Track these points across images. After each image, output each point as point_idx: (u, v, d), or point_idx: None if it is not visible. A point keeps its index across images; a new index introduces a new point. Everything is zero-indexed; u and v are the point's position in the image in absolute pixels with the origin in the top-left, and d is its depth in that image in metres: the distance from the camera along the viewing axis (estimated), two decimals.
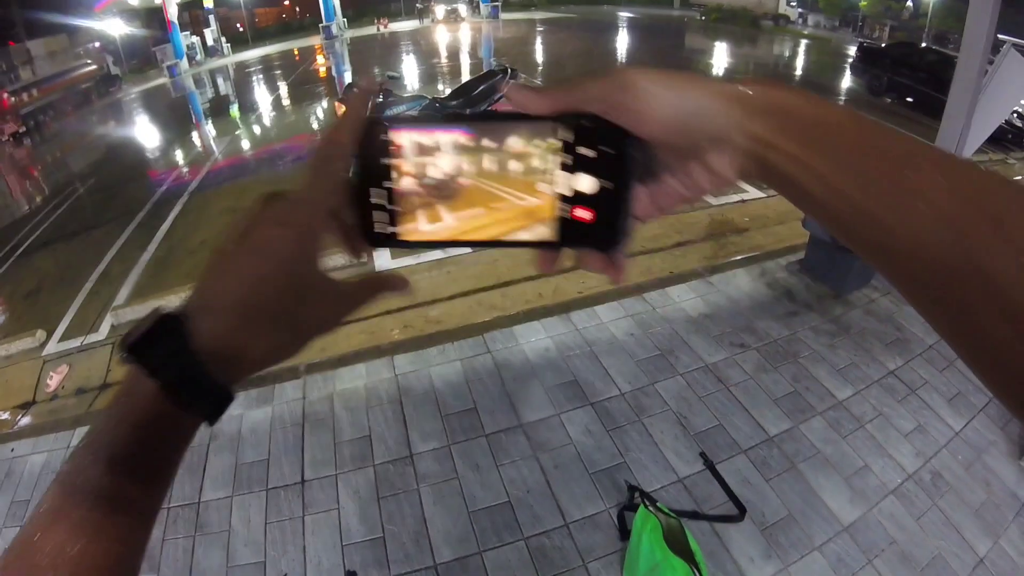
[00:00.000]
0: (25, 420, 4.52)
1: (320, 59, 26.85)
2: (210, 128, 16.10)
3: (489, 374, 3.92)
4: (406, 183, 0.42)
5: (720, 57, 19.59)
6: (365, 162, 0.42)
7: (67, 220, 9.89)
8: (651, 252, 5.42)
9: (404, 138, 0.41)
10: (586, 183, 0.39)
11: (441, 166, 0.41)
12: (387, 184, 0.42)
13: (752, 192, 6.66)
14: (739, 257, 5.20)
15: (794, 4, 30.77)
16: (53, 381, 4.89)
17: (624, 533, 2.78)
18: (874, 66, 12.82)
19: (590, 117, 0.38)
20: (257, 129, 14.79)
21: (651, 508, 2.43)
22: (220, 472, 3.50)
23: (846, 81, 14.92)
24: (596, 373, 3.87)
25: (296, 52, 30.62)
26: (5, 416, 4.62)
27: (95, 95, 25.62)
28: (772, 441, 3.30)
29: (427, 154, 0.41)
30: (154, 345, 0.36)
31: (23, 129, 20.79)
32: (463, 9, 34.57)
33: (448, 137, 0.41)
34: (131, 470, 0.37)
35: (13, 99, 20.94)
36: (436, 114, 0.44)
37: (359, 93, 0.44)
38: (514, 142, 0.40)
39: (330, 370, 4.17)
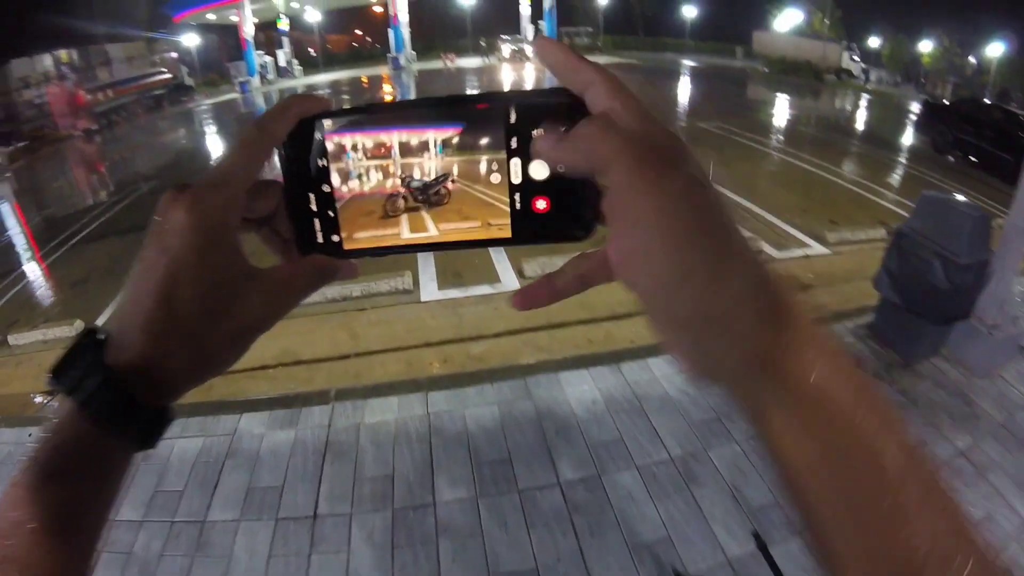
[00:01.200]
0: (53, 405, 4.48)
1: (387, 87, 27.59)
2: None
3: (529, 422, 3.65)
4: (344, 186, 0.39)
5: (782, 109, 19.28)
6: (297, 163, 0.39)
7: (125, 216, 10.08)
8: None
9: (342, 138, 0.38)
10: (541, 169, 0.35)
11: (383, 166, 0.38)
12: (323, 188, 0.39)
13: (816, 248, 6.36)
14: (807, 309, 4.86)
15: (857, 59, 30.67)
16: None
17: None
18: (939, 123, 12.35)
19: (557, 91, 0.34)
20: None
21: None
22: (232, 491, 3.30)
23: (908, 138, 14.49)
24: (645, 432, 3.56)
25: (364, 79, 31.56)
26: (38, 399, 4.65)
27: (167, 102, 26.77)
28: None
29: (368, 154, 0.38)
30: (73, 364, 0.34)
31: (96, 127, 21.78)
32: (528, 49, 35.30)
33: (391, 134, 0.38)
34: (56, 497, 0.34)
35: (89, 97, 22.00)
36: (379, 108, 0.39)
37: (299, 96, 0.38)
38: (462, 132, 0.37)
39: (361, 399, 3.97)
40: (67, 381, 0.34)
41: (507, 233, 0.37)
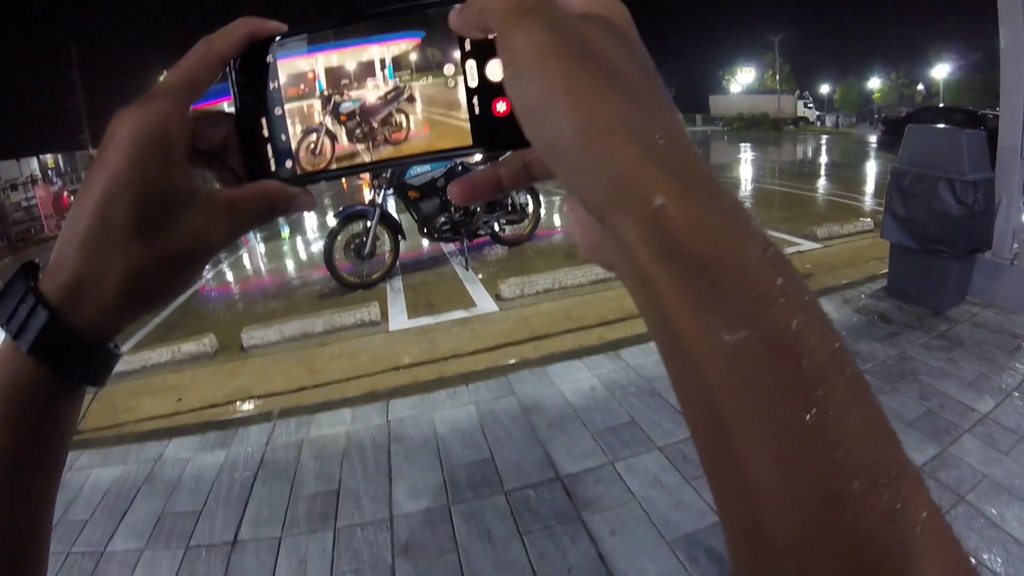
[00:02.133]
0: None
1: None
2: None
3: (513, 419, 2.95)
4: (296, 108, 0.37)
5: (746, 156, 19.46)
6: (248, 87, 0.37)
7: None
8: None
9: (293, 60, 0.36)
10: (499, 69, 0.31)
11: (339, 85, 0.36)
12: (275, 112, 0.36)
13: (807, 244, 6.02)
14: (815, 290, 4.43)
15: (811, 106, 31.97)
16: None
17: None
18: (900, 135, 12.43)
19: None
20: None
21: None
22: (140, 520, 2.63)
23: (872, 165, 14.72)
24: (662, 412, 2.89)
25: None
26: None
27: None
28: (922, 472, 2.28)
29: (320, 74, 0.37)
30: (7, 294, 0.32)
31: None
32: None
33: (344, 50, 0.36)
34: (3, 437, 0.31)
35: (72, 199, 22.13)
36: (329, 21, 0.36)
37: (251, 18, 0.36)
38: (414, 42, 0.34)
39: (308, 415, 3.28)
40: (2, 312, 0.32)
41: (468, 141, 0.33)
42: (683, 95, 44.93)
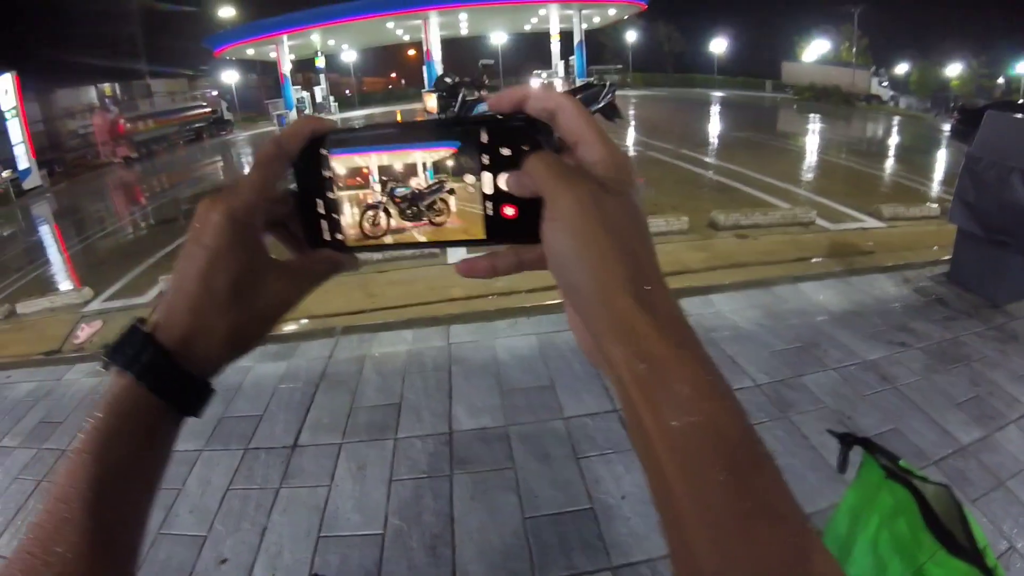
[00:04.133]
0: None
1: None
2: None
3: (574, 351, 2.90)
4: (344, 195, 0.44)
5: (815, 127, 18.66)
6: (307, 173, 0.44)
7: (157, 233, 9.78)
8: (767, 264, 4.40)
9: (342, 157, 0.43)
10: (507, 182, 0.39)
11: (391, 175, 0.43)
12: (328, 195, 0.44)
13: (871, 222, 5.75)
14: (875, 265, 4.34)
15: (885, 84, 30.17)
16: (83, 333, 4.61)
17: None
18: (975, 125, 11.67)
19: (519, 118, 0.38)
20: None
21: (889, 464, 1.27)
22: (202, 422, 2.59)
23: (943, 153, 13.80)
24: (719, 360, 2.80)
25: (399, 115, 31.98)
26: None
27: (207, 134, 27.25)
28: (966, 451, 2.41)
29: (363, 170, 0.44)
30: (126, 345, 0.39)
31: (135, 155, 22.19)
32: (558, 83, 35.32)
33: (384, 153, 0.43)
34: (113, 463, 0.37)
35: (129, 125, 22.50)
36: (376, 128, 0.43)
37: (311, 117, 0.45)
38: (443, 151, 0.41)
39: (370, 333, 3.30)
40: (122, 358, 0.38)
41: (482, 235, 0.40)
42: (755, 60, 42.73)
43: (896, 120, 22.28)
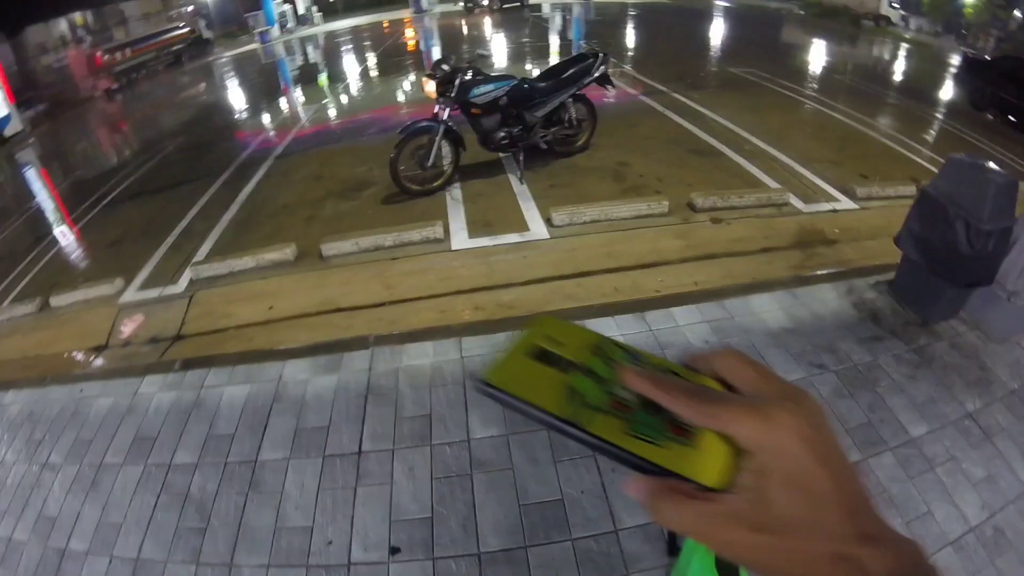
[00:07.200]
0: (97, 363, 4.88)
1: (409, 32, 27.40)
2: (298, 95, 16.73)
3: None
4: None
5: (818, 54, 18.67)
6: None
7: (154, 175, 10.51)
8: (736, 255, 5.29)
9: None
10: None
11: None
12: None
13: (845, 202, 6.42)
14: (826, 271, 4.99)
15: (896, 5, 29.35)
16: (127, 328, 5.26)
17: (673, 549, 2.74)
18: (978, 78, 12.03)
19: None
20: (344, 98, 15.19)
21: None
22: (280, 434, 3.67)
23: (946, 92, 13.99)
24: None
25: (386, 24, 31.40)
26: (79, 357, 5.02)
27: (187, 57, 27.05)
28: None
29: None
30: None
31: (116, 86, 22.30)
32: None
33: None
34: None
35: (106, 57, 22.43)
36: None
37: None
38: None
39: (398, 344, 4.29)
40: None
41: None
42: None
43: (903, 48, 21.87)
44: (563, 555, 2.86)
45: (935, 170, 5.35)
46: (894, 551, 0.38)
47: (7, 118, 16.55)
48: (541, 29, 25.13)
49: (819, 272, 4.99)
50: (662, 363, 0.48)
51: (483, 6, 33.23)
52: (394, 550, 2.95)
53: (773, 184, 6.93)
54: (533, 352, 0.49)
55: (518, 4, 32.85)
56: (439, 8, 36.17)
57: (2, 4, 18.54)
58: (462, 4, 34.18)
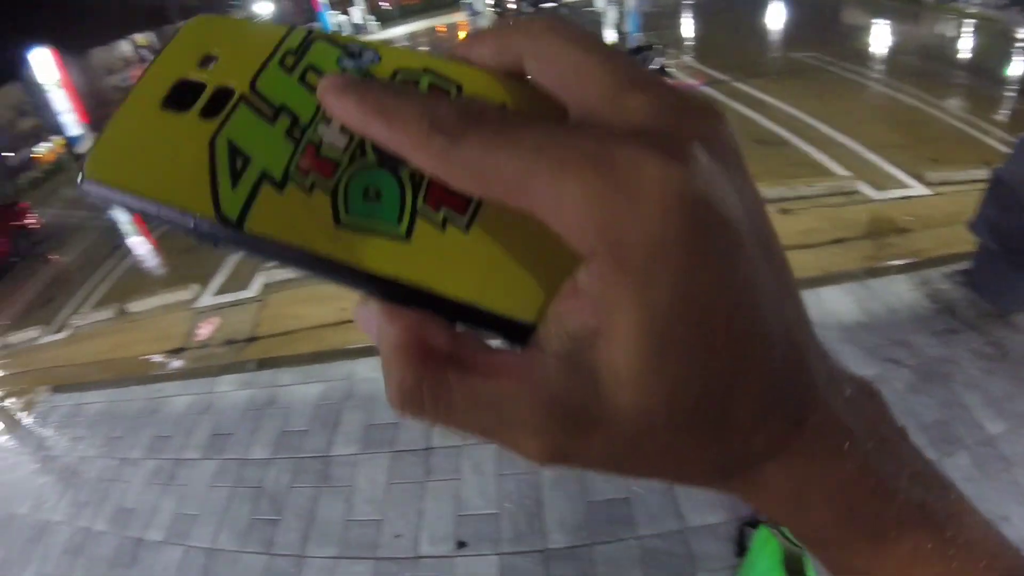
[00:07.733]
0: (176, 364, 5.15)
1: (463, 35, 27.59)
2: None
3: None
4: None
5: (879, 34, 17.82)
6: None
7: None
8: (805, 247, 5.16)
9: None
10: None
11: None
12: None
13: (917, 188, 6.13)
14: (899, 262, 4.77)
15: None
16: (203, 331, 5.52)
17: (741, 549, 2.71)
18: None
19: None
20: None
21: (774, 530, 2.35)
22: (351, 429, 3.80)
23: (1015, 69, 12.81)
24: None
25: (443, 29, 31.79)
26: (159, 359, 5.30)
27: None
28: None
29: None
30: None
31: None
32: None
33: None
34: None
35: None
36: None
37: None
38: None
39: None
40: None
41: None
42: None
43: (967, 25, 20.88)
44: (628, 553, 2.87)
45: (1009, 151, 5.11)
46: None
47: (80, 137, 17.26)
48: (594, 25, 24.94)
49: (892, 263, 4.79)
50: (424, 61, 0.26)
51: (509, 9, 33.12)
52: (461, 544, 3.03)
53: (841, 172, 6.72)
54: (171, 89, 0.27)
55: (555, 4, 32.61)
56: (490, 11, 36.37)
57: (69, 26, 19.49)
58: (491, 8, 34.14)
